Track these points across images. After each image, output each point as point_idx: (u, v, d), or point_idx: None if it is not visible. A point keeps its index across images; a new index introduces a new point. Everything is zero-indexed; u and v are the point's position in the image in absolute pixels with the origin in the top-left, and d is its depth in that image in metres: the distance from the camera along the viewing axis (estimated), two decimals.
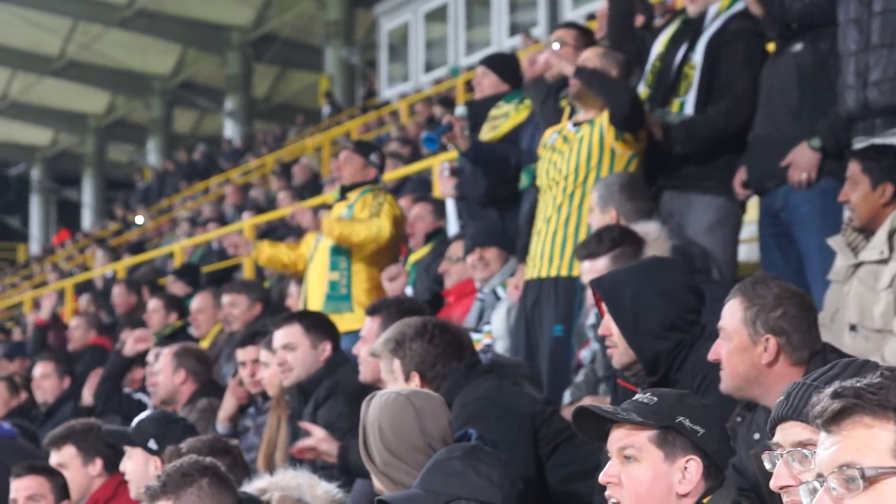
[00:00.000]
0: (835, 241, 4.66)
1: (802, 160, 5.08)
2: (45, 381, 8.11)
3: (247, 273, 11.32)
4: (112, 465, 5.23)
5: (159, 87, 31.26)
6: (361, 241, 6.71)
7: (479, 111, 6.95)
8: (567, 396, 5.10)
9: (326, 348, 5.24)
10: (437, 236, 7.33)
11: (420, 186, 9.86)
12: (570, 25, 6.68)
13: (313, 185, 15.28)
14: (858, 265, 4.48)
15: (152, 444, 4.76)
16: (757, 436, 3.24)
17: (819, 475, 1.89)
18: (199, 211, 19.27)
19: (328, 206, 7.64)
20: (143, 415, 5.07)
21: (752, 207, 5.70)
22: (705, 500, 2.85)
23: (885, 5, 4.76)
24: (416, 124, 15.46)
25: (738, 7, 5.55)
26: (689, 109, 5.54)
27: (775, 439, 2.35)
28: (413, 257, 7.33)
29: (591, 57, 5.55)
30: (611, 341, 3.81)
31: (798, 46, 5.20)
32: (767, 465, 2.31)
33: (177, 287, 9.89)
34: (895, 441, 1.85)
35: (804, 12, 5.12)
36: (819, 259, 5.01)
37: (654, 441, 2.81)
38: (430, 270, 6.97)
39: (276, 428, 5.54)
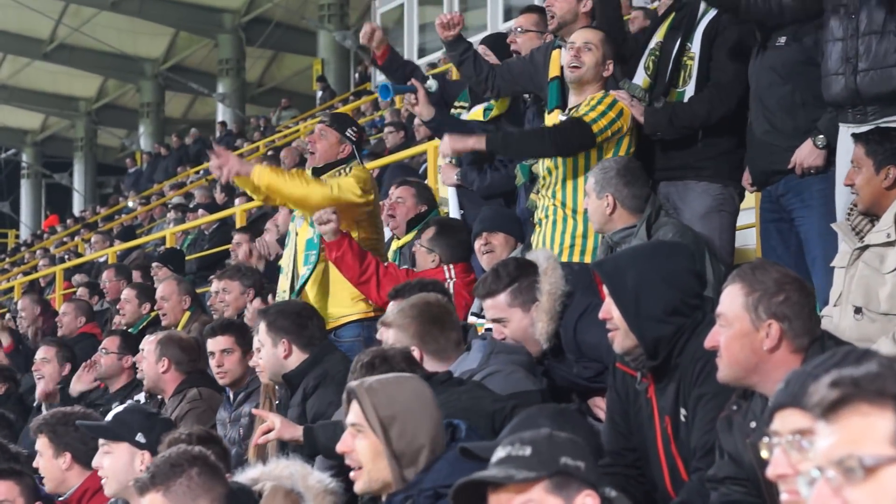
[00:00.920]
0: (839, 226, 4.63)
1: (810, 158, 5.06)
2: (46, 365, 7.84)
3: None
4: (84, 460, 5.09)
5: (151, 70, 31.18)
6: (294, 197, 5.94)
7: (452, 93, 6.87)
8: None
9: (286, 346, 5.09)
10: (421, 222, 6.85)
11: (402, 171, 9.40)
12: (533, 9, 6.62)
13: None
14: (864, 249, 4.46)
15: (140, 438, 4.67)
16: (753, 424, 3.20)
17: (817, 465, 1.87)
18: (191, 195, 19.22)
19: None
20: (118, 409, 4.95)
21: (749, 195, 5.67)
22: None
23: None
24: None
25: None
26: None
27: (774, 426, 2.31)
28: (395, 244, 6.98)
29: (592, 39, 5.47)
30: (612, 325, 3.76)
31: (781, 40, 5.16)
32: (764, 454, 2.28)
33: (162, 273, 9.73)
34: (894, 429, 1.82)
35: (798, 8, 5.07)
36: (820, 245, 4.98)
37: (550, 490, 2.72)
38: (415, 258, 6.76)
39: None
